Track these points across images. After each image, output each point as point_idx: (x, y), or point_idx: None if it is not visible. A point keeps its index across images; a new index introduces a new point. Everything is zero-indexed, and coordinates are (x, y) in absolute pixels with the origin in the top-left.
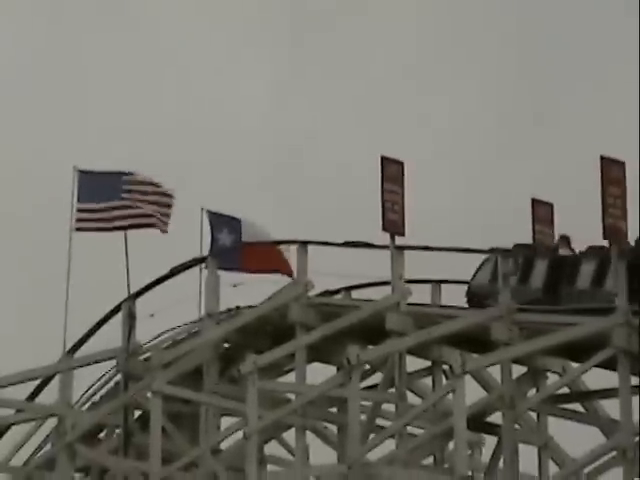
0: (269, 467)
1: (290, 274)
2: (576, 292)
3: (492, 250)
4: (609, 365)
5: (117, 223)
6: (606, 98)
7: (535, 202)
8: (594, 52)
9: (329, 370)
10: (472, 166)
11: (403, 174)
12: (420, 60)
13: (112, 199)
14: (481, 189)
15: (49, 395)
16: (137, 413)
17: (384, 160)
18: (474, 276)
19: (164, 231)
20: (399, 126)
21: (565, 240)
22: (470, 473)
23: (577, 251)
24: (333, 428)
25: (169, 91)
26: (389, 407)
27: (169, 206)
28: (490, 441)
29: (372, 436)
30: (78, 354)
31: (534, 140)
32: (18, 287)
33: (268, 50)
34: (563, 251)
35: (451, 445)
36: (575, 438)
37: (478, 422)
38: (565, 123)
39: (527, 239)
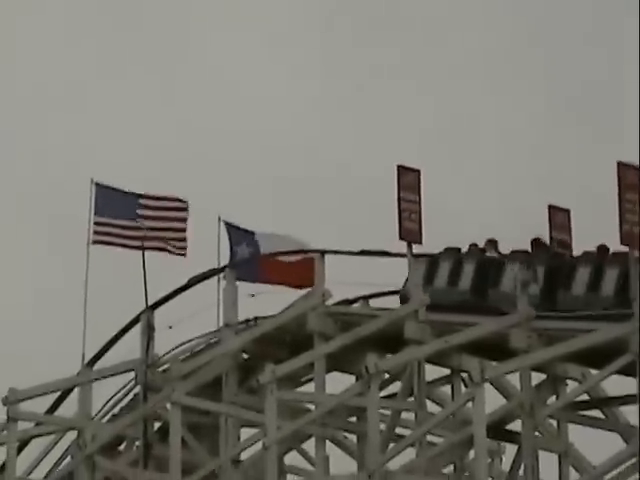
0: (289, 477)
1: (310, 284)
2: (501, 294)
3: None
4: (628, 371)
5: (134, 242)
6: (605, 98)
7: (552, 208)
8: (594, 52)
9: (348, 379)
10: (486, 164)
11: (419, 182)
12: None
13: (129, 218)
14: (497, 186)
15: (68, 408)
16: (157, 425)
17: (400, 169)
18: (407, 281)
19: (181, 254)
20: (413, 123)
21: (493, 244)
22: None
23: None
24: (353, 437)
25: (179, 90)
26: (408, 416)
27: (184, 230)
28: (510, 449)
29: (392, 445)
30: (97, 366)
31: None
32: (36, 299)
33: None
34: (490, 254)
35: (471, 453)
36: (595, 445)
37: (498, 430)
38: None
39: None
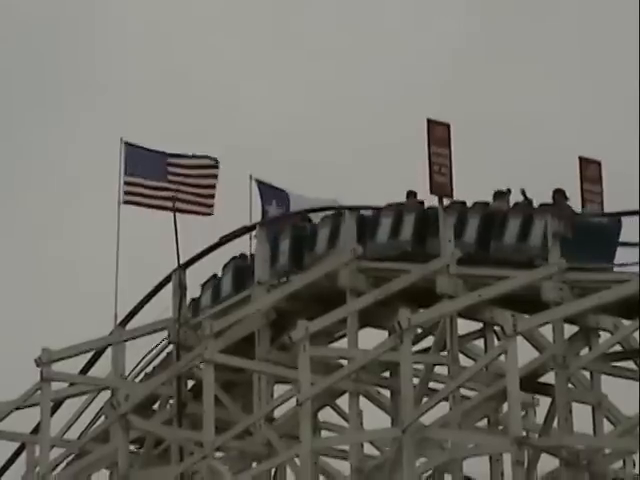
0: (323, 433)
1: None
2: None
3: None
4: None
5: (164, 203)
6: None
7: (582, 160)
8: (593, 51)
9: (381, 335)
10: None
11: (449, 136)
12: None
13: (159, 179)
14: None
15: (102, 368)
16: (190, 383)
17: (430, 123)
18: None
19: (208, 214)
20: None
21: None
22: (525, 434)
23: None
24: (386, 393)
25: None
26: (442, 370)
27: (213, 186)
28: (544, 401)
29: (425, 399)
30: (129, 326)
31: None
32: (67, 261)
33: None
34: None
35: (505, 406)
36: (629, 396)
37: (531, 383)
38: None
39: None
